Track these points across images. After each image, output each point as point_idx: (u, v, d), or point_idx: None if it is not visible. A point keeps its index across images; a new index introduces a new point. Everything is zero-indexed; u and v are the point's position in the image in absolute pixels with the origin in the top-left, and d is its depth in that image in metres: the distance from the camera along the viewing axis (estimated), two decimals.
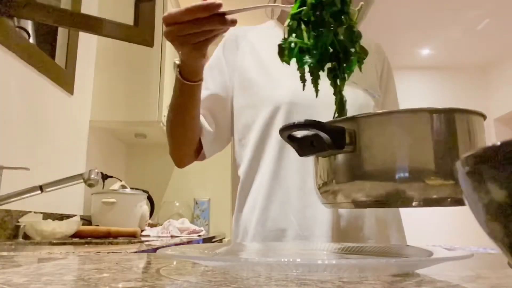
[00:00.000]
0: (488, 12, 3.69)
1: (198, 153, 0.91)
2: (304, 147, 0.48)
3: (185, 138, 0.89)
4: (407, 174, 0.42)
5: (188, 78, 0.75)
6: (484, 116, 0.48)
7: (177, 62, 0.75)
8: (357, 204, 0.46)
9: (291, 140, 0.49)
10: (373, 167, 0.44)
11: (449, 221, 4.24)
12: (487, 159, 0.20)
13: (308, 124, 0.45)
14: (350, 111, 0.85)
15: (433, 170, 0.42)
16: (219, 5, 0.60)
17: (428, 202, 0.42)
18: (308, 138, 0.47)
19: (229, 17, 0.61)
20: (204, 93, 0.88)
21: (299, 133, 0.49)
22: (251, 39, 0.97)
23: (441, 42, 4.32)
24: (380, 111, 0.46)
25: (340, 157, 0.46)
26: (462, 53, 4.56)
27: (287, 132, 0.48)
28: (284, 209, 0.80)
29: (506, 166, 0.19)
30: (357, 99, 0.87)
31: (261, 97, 0.87)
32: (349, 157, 0.45)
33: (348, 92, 0.88)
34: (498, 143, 0.20)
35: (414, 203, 0.42)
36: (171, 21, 0.63)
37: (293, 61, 0.87)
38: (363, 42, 0.99)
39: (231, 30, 0.98)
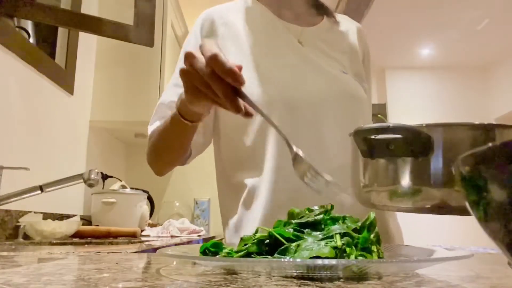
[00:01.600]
0: (488, 12, 3.69)
1: (180, 161, 0.85)
2: (375, 149, 0.47)
3: (172, 159, 0.83)
4: None
5: (186, 117, 0.67)
6: None
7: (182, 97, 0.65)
8: (419, 210, 0.46)
9: (365, 141, 0.47)
10: (442, 174, 0.45)
11: (449, 221, 4.24)
12: (487, 159, 0.20)
13: (398, 128, 0.44)
14: (351, 105, 0.83)
15: None
16: (238, 79, 0.49)
17: None
18: (385, 141, 0.46)
19: (241, 102, 0.51)
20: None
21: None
22: (230, 22, 0.86)
23: (441, 42, 4.31)
24: (457, 122, 0.47)
25: (411, 161, 0.46)
26: (462, 53, 4.56)
27: (367, 134, 0.47)
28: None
29: (506, 166, 0.19)
30: (355, 91, 0.84)
31: (251, 95, 0.79)
32: (420, 163, 0.45)
33: (349, 85, 0.85)
34: (498, 143, 0.20)
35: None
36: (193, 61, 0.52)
37: (284, 55, 0.83)
38: (346, 24, 0.95)
39: (206, 12, 0.88)
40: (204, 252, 0.44)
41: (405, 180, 0.46)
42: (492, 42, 4.26)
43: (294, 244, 0.39)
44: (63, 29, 1.90)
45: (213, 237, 2.27)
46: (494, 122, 0.47)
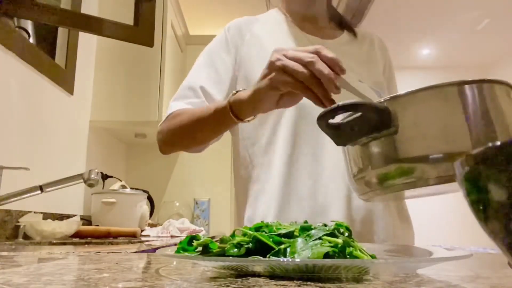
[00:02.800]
0: (488, 12, 3.68)
1: (199, 149, 0.89)
2: (342, 134, 0.46)
3: (197, 144, 0.86)
4: (453, 149, 0.41)
5: (238, 114, 0.69)
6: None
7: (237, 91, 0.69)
8: (404, 186, 0.44)
9: (329, 128, 0.46)
10: (418, 147, 0.42)
11: (449, 221, 4.24)
12: (487, 159, 0.20)
13: (352, 104, 0.42)
14: None
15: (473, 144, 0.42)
16: (341, 69, 0.54)
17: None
18: (348, 124, 0.45)
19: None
20: (216, 78, 0.87)
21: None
22: (256, 32, 0.93)
23: (441, 42, 4.31)
24: (418, 88, 0.44)
25: (382, 141, 0.44)
26: (462, 53, 4.55)
27: (327, 118, 0.45)
28: (298, 218, 0.79)
29: (506, 166, 0.19)
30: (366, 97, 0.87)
31: None
32: (392, 139, 0.43)
33: (359, 89, 0.88)
34: (498, 143, 0.20)
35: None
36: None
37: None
38: (366, 36, 0.99)
39: (234, 20, 0.95)
40: (205, 251, 0.44)
41: (384, 161, 0.44)
42: (492, 42, 4.26)
43: (283, 246, 0.39)
44: (63, 29, 1.90)
45: (213, 237, 2.27)
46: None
